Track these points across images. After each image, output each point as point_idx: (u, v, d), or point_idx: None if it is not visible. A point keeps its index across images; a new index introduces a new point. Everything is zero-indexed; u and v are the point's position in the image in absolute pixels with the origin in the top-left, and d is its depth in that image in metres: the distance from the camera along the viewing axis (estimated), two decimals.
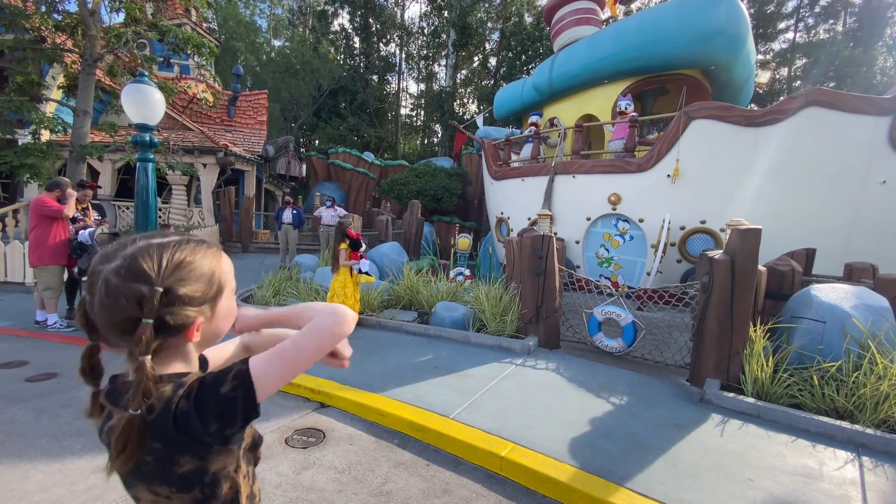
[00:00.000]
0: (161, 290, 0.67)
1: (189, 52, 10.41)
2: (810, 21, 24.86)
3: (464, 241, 10.84)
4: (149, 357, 0.66)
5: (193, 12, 16.11)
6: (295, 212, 10.12)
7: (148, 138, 4.95)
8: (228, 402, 0.67)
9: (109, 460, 0.68)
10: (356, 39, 31.24)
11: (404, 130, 32.90)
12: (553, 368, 4.16)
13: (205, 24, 19.08)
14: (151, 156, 5.10)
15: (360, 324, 5.39)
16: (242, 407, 0.68)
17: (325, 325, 0.73)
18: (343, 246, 4.92)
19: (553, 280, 4.85)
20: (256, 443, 0.85)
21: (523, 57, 25.27)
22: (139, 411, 0.65)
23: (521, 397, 3.47)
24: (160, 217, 12.57)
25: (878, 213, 6.34)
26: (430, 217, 15.97)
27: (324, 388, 3.49)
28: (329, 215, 9.96)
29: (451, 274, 7.90)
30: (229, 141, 14.21)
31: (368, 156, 19.67)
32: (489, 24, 28.68)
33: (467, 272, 8.18)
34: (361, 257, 4.99)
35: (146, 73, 5.03)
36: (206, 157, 12.62)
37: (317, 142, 29.00)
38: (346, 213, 10.27)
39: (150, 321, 0.65)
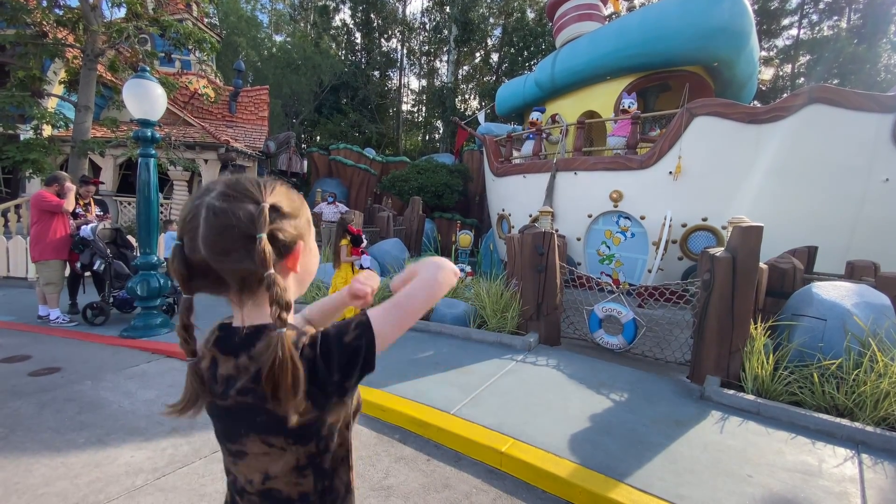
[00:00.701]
0: (268, 204, 0.69)
1: (190, 47, 10.37)
2: (814, 18, 24.65)
3: (465, 238, 10.84)
4: (272, 271, 0.66)
5: (195, 7, 16.06)
6: None
7: (149, 134, 4.96)
8: (353, 350, 0.68)
9: (275, 399, 0.65)
10: (357, 35, 31.11)
11: (406, 126, 32.83)
12: (553, 365, 4.17)
13: (206, 20, 19.00)
14: (153, 151, 5.10)
15: None
16: (364, 356, 0.69)
17: (433, 276, 0.76)
18: (344, 242, 4.93)
19: (554, 277, 4.86)
20: (359, 405, 0.86)
21: (525, 53, 25.14)
22: (283, 328, 0.66)
23: (522, 393, 3.48)
24: (162, 213, 12.58)
25: (881, 211, 6.32)
26: (432, 214, 15.95)
27: None
28: (330, 211, 9.97)
29: None
30: (231, 137, 14.20)
31: (370, 152, 19.63)
32: (491, 20, 28.53)
33: (468, 269, 8.20)
34: (363, 253, 4.99)
35: (147, 69, 5.03)
36: (207, 153, 12.62)
37: (318, 138, 28.93)
38: (347, 209, 10.28)
39: (264, 235, 0.66)
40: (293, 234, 0.72)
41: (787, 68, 25.32)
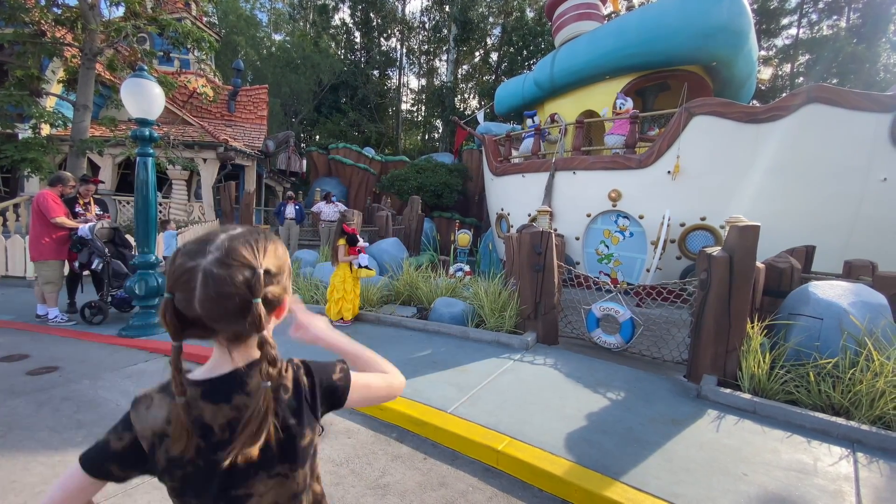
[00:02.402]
0: (262, 271, 0.72)
1: (189, 46, 10.37)
2: (814, 17, 24.67)
3: (464, 237, 10.85)
4: (266, 332, 0.72)
5: (193, 6, 16.06)
6: (297, 207, 10.14)
7: (148, 133, 4.95)
8: (336, 387, 0.86)
9: (234, 450, 0.70)
10: (357, 34, 31.11)
11: (405, 126, 32.83)
12: (551, 364, 4.18)
13: (205, 19, 19.00)
14: (151, 150, 5.10)
15: (359, 319, 5.41)
16: (340, 396, 0.86)
17: (397, 387, 0.97)
18: (341, 242, 4.94)
19: (552, 276, 4.86)
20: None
21: (525, 52, 25.14)
22: (269, 383, 0.72)
23: (519, 392, 3.49)
24: (160, 212, 12.59)
25: (879, 211, 6.33)
26: (431, 213, 15.97)
27: None
28: (329, 211, 9.98)
29: (451, 270, 7.92)
30: (229, 136, 14.20)
31: (369, 151, 19.64)
32: (490, 19, 28.53)
33: (467, 268, 8.20)
34: (360, 252, 5.00)
35: (146, 68, 5.03)
36: (206, 152, 12.62)
37: (317, 137, 28.94)
38: (346, 208, 10.29)
39: (259, 299, 0.71)
40: (281, 291, 0.77)
41: (787, 68, 25.35)
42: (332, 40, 29.83)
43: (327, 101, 27.68)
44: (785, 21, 25.11)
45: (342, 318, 5.12)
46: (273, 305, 0.76)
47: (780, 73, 25.63)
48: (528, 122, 11.16)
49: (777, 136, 6.62)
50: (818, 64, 22.34)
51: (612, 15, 13.01)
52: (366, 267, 5.05)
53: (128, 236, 6.38)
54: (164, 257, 7.92)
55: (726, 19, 8.22)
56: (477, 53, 30.34)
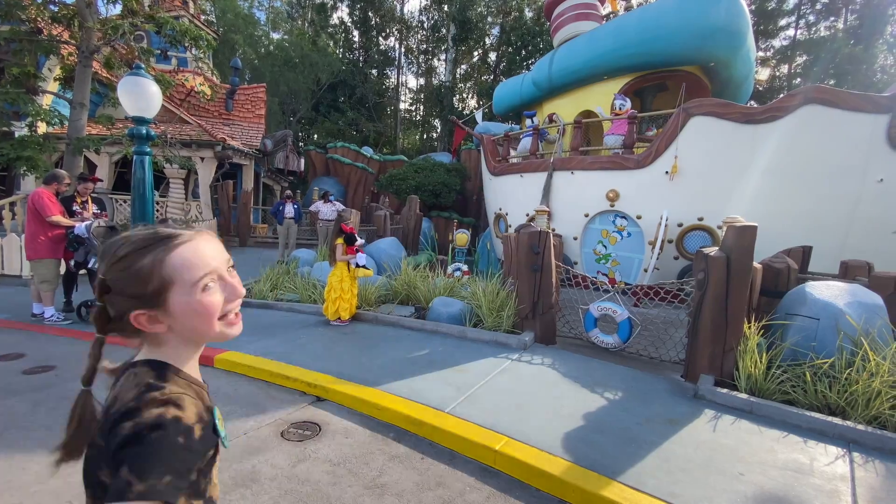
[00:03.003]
0: (102, 278, 0.72)
1: (186, 44, 10.33)
2: (811, 18, 24.76)
3: (462, 237, 10.85)
4: (101, 335, 0.74)
5: (191, 4, 16.01)
6: (295, 206, 10.13)
7: (145, 131, 4.94)
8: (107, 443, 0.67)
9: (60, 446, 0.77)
10: (355, 33, 31.07)
11: (403, 125, 32.81)
12: (548, 364, 4.19)
13: (202, 17, 18.93)
14: (148, 149, 5.09)
15: (357, 318, 5.41)
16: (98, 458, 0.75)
17: None
18: (339, 241, 4.93)
19: (550, 276, 4.87)
20: None
21: (523, 52, 25.16)
22: (86, 386, 0.76)
23: (517, 392, 3.49)
24: (157, 211, 12.55)
25: (876, 211, 6.36)
26: (429, 212, 15.96)
27: (320, 382, 3.51)
28: (327, 210, 9.96)
29: (449, 269, 7.92)
30: (227, 134, 14.15)
31: (367, 150, 19.63)
32: (489, 19, 28.52)
33: (465, 268, 8.20)
34: (358, 251, 4.99)
35: (143, 66, 5.01)
36: (203, 151, 12.58)
37: (315, 136, 28.90)
38: (343, 207, 10.26)
39: (100, 304, 0.72)
40: (121, 308, 0.71)
41: (784, 69, 25.42)
42: (330, 39, 29.78)
43: (325, 100, 27.64)
44: (783, 22, 25.20)
45: (339, 318, 5.12)
46: (116, 316, 0.72)
47: (777, 73, 25.72)
48: (528, 122, 11.17)
49: (775, 136, 6.65)
50: (815, 65, 22.42)
51: (611, 15, 13.03)
52: (363, 266, 5.05)
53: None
54: None
55: (724, 20, 8.24)
56: (475, 53, 30.34)
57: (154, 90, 4.88)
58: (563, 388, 3.65)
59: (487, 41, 29.56)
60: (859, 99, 6.23)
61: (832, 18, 24.20)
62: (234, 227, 12.57)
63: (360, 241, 5.14)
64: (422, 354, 4.27)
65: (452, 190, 15.90)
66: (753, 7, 23.54)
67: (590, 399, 3.45)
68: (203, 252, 0.74)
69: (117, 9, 9.88)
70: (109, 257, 0.72)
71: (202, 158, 12.65)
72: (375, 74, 31.38)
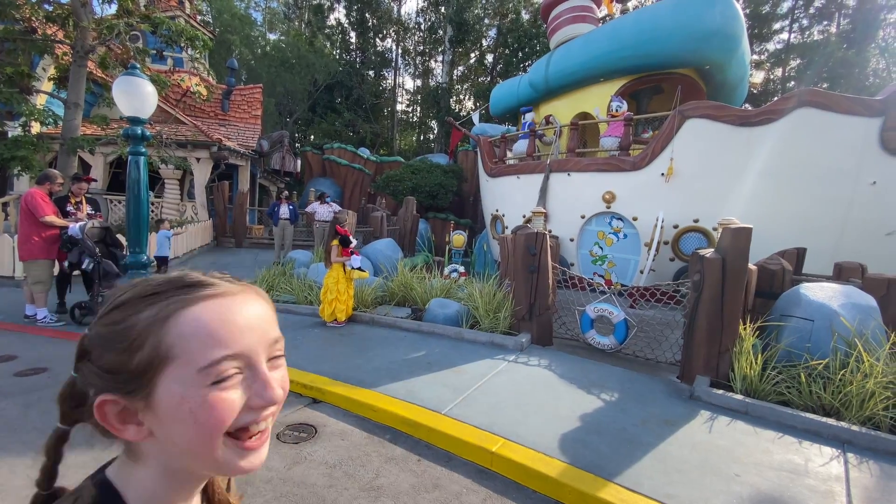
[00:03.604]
0: (83, 336, 0.50)
1: (182, 44, 10.29)
2: (805, 22, 24.95)
3: (458, 238, 10.85)
4: (63, 426, 0.52)
5: (187, 4, 15.95)
6: (291, 207, 10.10)
7: (140, 132, 4.91)
8: None
9: None
10: (352, 34, 31.01)
11: (400, 126, 32.78)
12: (545, 365, 4.19)
13: (199, 17, 18.87)
14: (143, 149, 5.06)
15: (353, 320, 5.39)
16: None
17: None
18: (334, 243, 4.92)
19: (546, 277, 4.87)
20: None
21: (520, 54, 25.20)
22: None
23: (513, 393, 3.49)
24: (153, 212, 12.48)
25: (869, 214, 6.41)
26: (426, 214, 15.95)
27: (316, 384, 3.49)
28: (323, 211, 9.94)
29: (446, 271, 7.92)
30: (223, 135, 14.10)
31: (364, 151, 19.60)
32: (486, 21, 28.54)
33: (462, 269, 8.21)
34: (353, 253, 4.98)
35: (138, 66, 4.98)
36: (199, 152, 12.52)
37: (312, 137, 28.83)
38: (340, 208, 10.24)
39: (73, 375, 0.50)
40: (89, 383, 0.48)
41: (778, 72, 25.60)
42: (327, 40, 29.73)
43: (322, 100, 27.58)
44: (777, 26, 25.39)
45: (336, 319, 5.10)
46: (83, 397, 0.50)
47: (772, 77, 25.90)
48: (526, 116, 11.17)
49: (769, 139, 6.69)
50: (809, 68, 22.60)
51: (607, 18, 13.07)
52: (359, 268, 5.03)
53: (119, 236, 6.31)
54: (156, 258, 7.84)
55: (719, 23, 8.29)
56: (472, 55, 30.36)
57: (149, 90, 4.85)
58: (559, 389, 3.65)
59: (484, 43, 29.60)
60: (852, 102, 6.28)
61: (825, 23, 24.42)
62: (230, 228, 12.51)
63: (354, 243, 5.13)
64: (418, 356, 4.26)
65: (449, 191, 15.89)
66: (748, 11, 23.71)
67: (586, 400, 3.45)
68: (234, 319, 0.48)
69: (113, 8, 9.79)
70: (105, 306, 0.49)
71: (198, 159, 12.59)
72: (372, 76, 31.34)
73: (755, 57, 24.96)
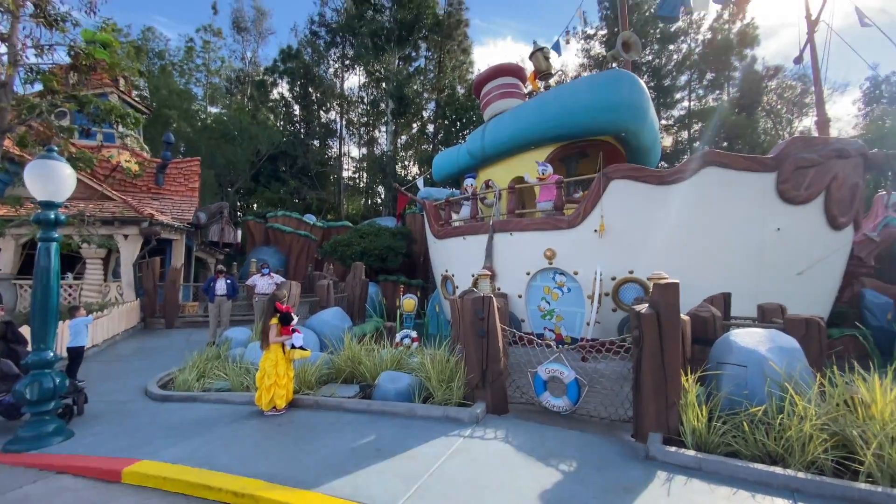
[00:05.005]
0: None
1: (112, 122, 9.98)
2: (700, 92, 28.99)
3: (409, 303, 10.70)
4: None
5: (122, 80, 15.74)
6: (228, 281, 9.54)
7: (53, 216, 4.54)
8: None
9: None
10: (296, 107, 31.82)
11: (347, 192, 33.10)
12: (502, 437, 4.01)
13: (135, 93, 18.63)
14: (56, 235, 4.65)
15: (295, 405, 4.95)
16: None
17: None
18: (274, 321, 4.62)
19: (496, 341, 4.82)
20: None
21: (458, 124, 26.91)
22: None
23: (470, 476, 3.26)
24: (69, 296, 11.33)
25: (779, 257, 7.10)
26: (376, 277, 15.75)
27: (249, 490, 3.09)
28: (264, 284, 9.47)
29: (398, 337, 7.67)
30: (156, 209, 13.45)
31: (310, 218, 19.42)
32: (425, 95, 30.50)
33: (414, 334, 7.97)
34: (294, 331, 4.69)
35: (55, 148, 4.72)
36: (127, 228, 11.77)
37: (255, 205, 28.29)
38: (282, 279, 9.83)
39: None
40: None
41: (685, 134, 29.06)
42: (270, 113, 30.24)
43: (266, 170, 27.47)
44: (678, 95, 29.23)
45: (275, 407, 4.66)
46: None
47: (679, 139, 29.33)
48: (467, 181, 11.65)
49: (683, 195, 7.36)
50: (708, 130, 25.87)
51: (533, 93, 14.40)
52: (300, 348, 4.72)
53: (24, 328, 5.60)
54: (70, 349, 6.97)
55: (627, 96, 9.37)
56: (414, 125, 31.97)
57: (66, 173, 4.56)
58: (517, 463, 3.48)
59: (424, 114, 31.41)
60: (748, 161, 7.14)
61: (717, 91, 28.47)
62: (161, 307, 11.55)
63: (296, 320, 4.85)
64: (367, 442, 3.94)
65: (399, 253, 15.89)
66: (652, 84, 27.21)
67: (545, 473, 3.29)
68: None
69: (37, 86, 9.40)
70: None
71: (126, 236, 11.80)
72: (318, 145, 31.92)
73: (664, 121, 28.32)
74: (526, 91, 13.42)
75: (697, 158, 7.34)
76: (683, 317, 4.28)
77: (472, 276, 9.60)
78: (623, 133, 10.04)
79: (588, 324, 7.79)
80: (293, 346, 4.70)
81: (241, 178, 26.47)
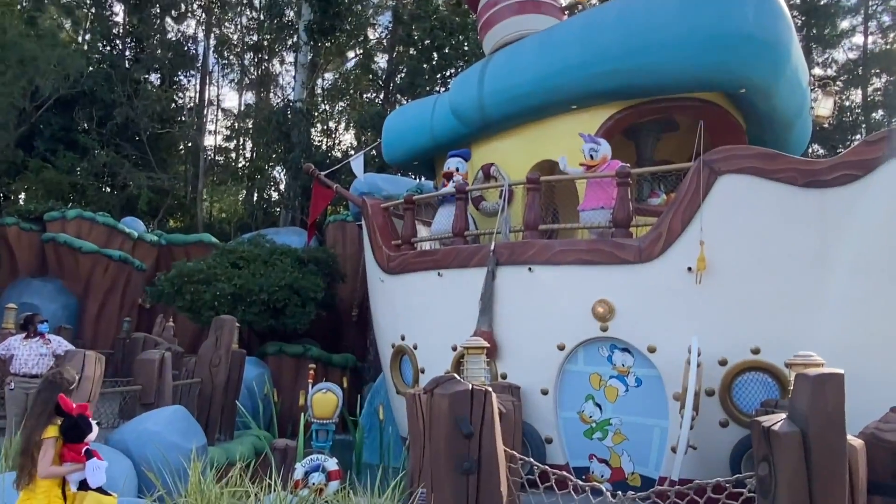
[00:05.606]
0: None
1: None
2: (885, 19, 29.50)
3: (323, 404, 10.63)
4: None
5: None
6: None
7: None
8: None
9: None
10: (118, 9, 31.91)
11: (212, 177, 33.00)
12: None
13: None
14: None
15: None
16: None
17: None
18: (51, 433, 4.52)
19: (496, 481, 4.82)
20: None
21: (435, 57, 27.41)
22: None
23: None
24: None
25: None
26: (263, 346, 15.65)
27: None
28: (32, 354, 9.23)
29: (298, 470, 7.59)
30: None
31: (135, 225, 19.29)
32: (374, 0, 31.04)
33: (333, 463, 7.91)
34: (91, 454, 4.61)
35: None
36: None
37: (22, 197, 27.84)
38: (70, 346, 9.62)
39: None
40: None
41: (856, 94, 29.81)
42: (66, 17, 30.18)
43: (51, 126, 27.20)
44: (845, 24, 29.83)
45: None
46: None
47: (846, 103, 29.89)
48: (450, 163, 11.68)
49: (856, 208, 7.46)
50: None
51: (578, 7, 14.84)
52: (98, 489, 4.63)
53: None
54: None
55: (754, 21, 9.46)
56: (351, 54, 32.41)
57: None
58: None
59: (371, 35, 31.90)
60: None
61: None
62: None
63: (94, 434, 4.76)
64: None
65: (309, 299, 15.87)
66: (800, 2, 27.63)
67: None
68: None
69: None
70: None
71: None
72: (157, 82, 31.91)
73: (818, 71, 28.84)
74: (564, 2, 13.82)
75: (881, 140, 7.43)
76: (851, 440, 4.38)
77: (453, 348, 9.61)
78: (743, 90, 10.32)
79: (674, 449, 7.84)
80: (85, 487, 4.61)
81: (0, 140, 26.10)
